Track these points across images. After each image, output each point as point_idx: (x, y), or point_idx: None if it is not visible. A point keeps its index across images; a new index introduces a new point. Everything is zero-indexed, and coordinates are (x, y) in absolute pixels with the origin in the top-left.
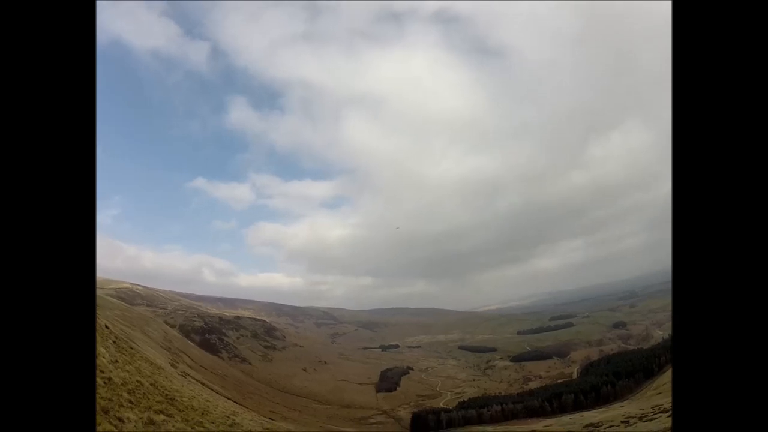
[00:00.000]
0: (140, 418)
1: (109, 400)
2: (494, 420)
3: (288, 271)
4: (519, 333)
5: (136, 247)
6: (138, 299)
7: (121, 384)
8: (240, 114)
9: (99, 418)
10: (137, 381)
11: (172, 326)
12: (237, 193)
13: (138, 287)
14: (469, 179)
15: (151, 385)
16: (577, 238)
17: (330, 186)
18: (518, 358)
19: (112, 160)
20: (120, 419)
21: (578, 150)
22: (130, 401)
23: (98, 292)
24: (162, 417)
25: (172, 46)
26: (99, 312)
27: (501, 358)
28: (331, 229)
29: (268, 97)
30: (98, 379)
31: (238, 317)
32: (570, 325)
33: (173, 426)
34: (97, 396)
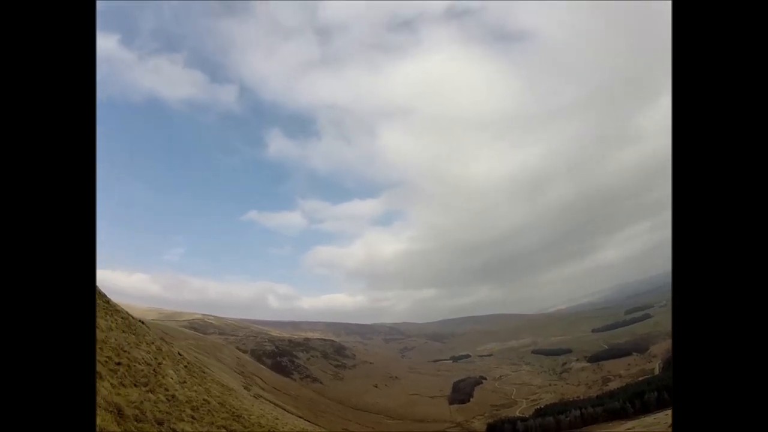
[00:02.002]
0: (198, 431)
1: (168, 413)
2: (573, 426)
3: (350, 291)
4: (593, 331)
5: (201, 280)
6: (210, 329)
7: (186, 401)
8: (277, 145)
9: (150, 427)
10: (204, 399)
11: (244, 352)
12: (288, 220)
13: (209, 317)
14: (517, 174)
15: (218, 403)
16: (640, 221)
17: (378, 203)
18: (595, 358)
19: (170, 204)
20: (174, 431)
21: (626, 125)
22: (192, 416)
23: (172, 324)
24: None
25: (200, 93)
26: (173, 342)
27: (577, 360)
28: (386, 245)
29: (300, 125)
30: (161, 396)
31: (307, 339)
32: (647, 316)
33: None
34: (155, 409)
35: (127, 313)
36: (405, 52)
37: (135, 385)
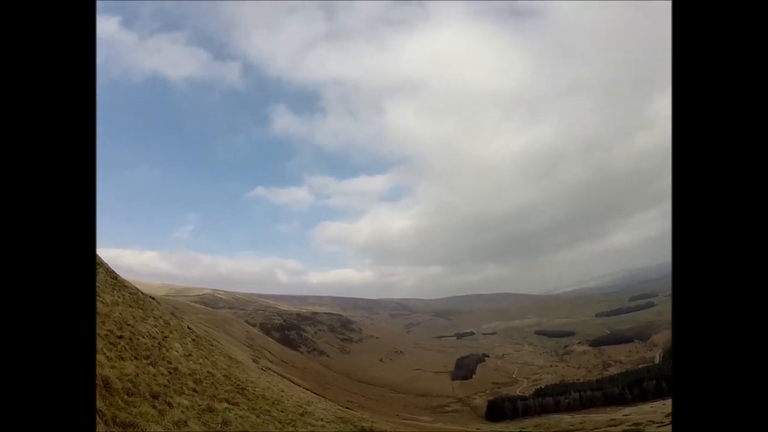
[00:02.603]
0: (197, 404)
1: (166, 386)
2: (572, 408)
3: (357, 266)
4: (597, 315)
5: (211, 257)
6: (220, 303)
7: (189, 374)
8: (283, 121)
9: (141, 401)
10: (209, 372)
11: (253, 325)
12: (296, 196)
13: (219, 292)
14: (528, 153)
15: (224, 376)
16: (652, 207)
17: (385, 179)
18: (597, 342)
19: (178, 183)
20: (169, 404)
21: (641, 108)
22: (194, 389)
23: (182, 299)
24: (225, 405)
25: (204, 71)
26: (184, 317)
27: (579, 343)
28: (394, 221)
29: (306, 100)
30: (162, 369)
31: (314, 313)
32: (651, 305)
33: (235, 414)
34: (153, 382)
35: (135, 288)
36: (412, 27)
37: (135, 359)
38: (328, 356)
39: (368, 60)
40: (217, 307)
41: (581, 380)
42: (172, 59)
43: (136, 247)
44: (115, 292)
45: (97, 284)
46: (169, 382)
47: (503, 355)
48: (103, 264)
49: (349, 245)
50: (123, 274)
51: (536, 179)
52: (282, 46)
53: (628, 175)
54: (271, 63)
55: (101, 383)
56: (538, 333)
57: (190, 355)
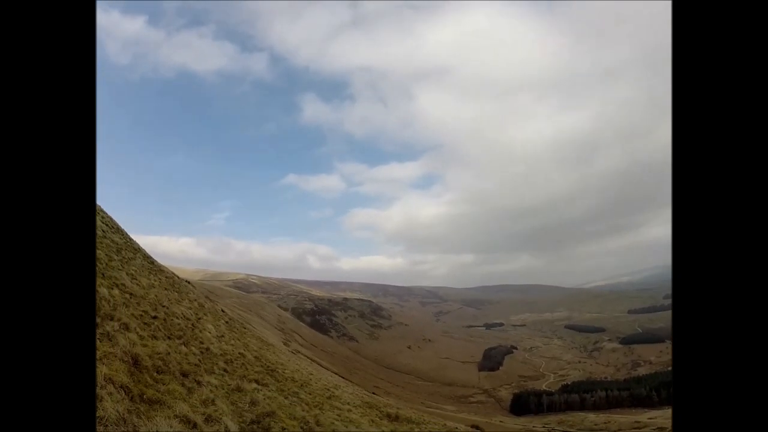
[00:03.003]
0: (227, 384)
1: (197, 365)
2: (597, 407)
3: (388, 253)
4: (630, 312)
5: (244, 243)
6: (253, 288)
7: (220, 354)
8: (312, 110)
9: (171, 379)
10: (240, 353)
11: (285, 309)
12: (327, 183)
13: (253, 277)
14: (563, 139)
15: (254, 357)
16: None
17: (416, 166)
18: (628, 340)
19: (213, 172)
20: (198, 383)
21: None
22: (225, 369)
23: (217, 283)
24: (254, 385)
25: (232, 64)
26: (218, 300)
27: (609, 340)
28: (425, 209)
29: (334, 89)
30: (194, 349)
31: (345, 299)
32: None
33: (263, 394)
34: (184, 361)
35: (172, 273)
36: (438, 10)
37: (168, 338)
38: (357, 341)
39: (395, 46)
40: (251, 291)
41: (609, 378)
42: (200, 54)
43: (173, 233)
44: (152, 275)
45: (135, 269)
46: (200, 361)
47: (531, 348)
48: (140, 250)
49: (380, 232)
50: (160, 260)
51: (571, 166)
52: (307, 35)
53: (667, 164)
54: (298, 52)
55: (130, 360)
56: (567, 327)
57: (222, 336)
